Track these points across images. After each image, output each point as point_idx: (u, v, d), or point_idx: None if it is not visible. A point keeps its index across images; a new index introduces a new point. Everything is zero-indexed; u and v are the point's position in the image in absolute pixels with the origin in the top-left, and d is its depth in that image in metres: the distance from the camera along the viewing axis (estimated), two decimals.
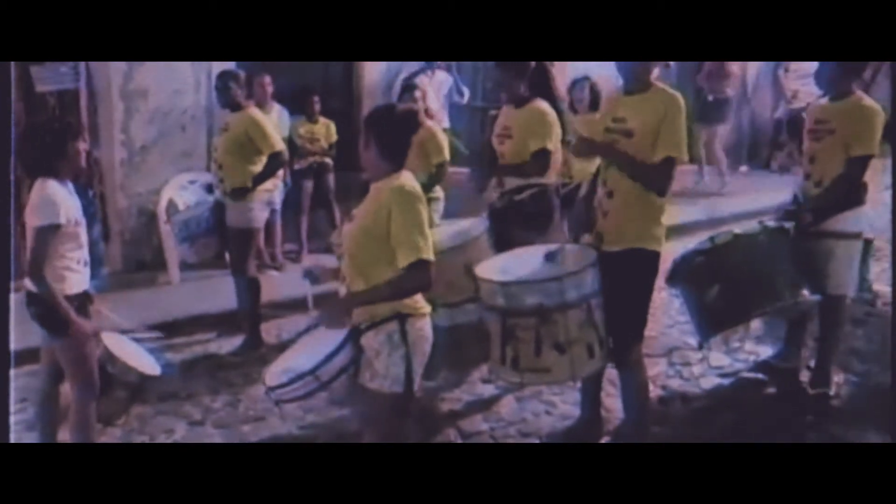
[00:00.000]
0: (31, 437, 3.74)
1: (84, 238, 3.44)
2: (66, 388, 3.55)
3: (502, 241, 3.94)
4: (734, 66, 9.27)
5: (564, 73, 6.40)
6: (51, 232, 3.24)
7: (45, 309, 3.31)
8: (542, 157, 4.15)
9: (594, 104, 5.51)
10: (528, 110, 4.18)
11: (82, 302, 3.46)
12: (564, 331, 3.08)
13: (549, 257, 3.33)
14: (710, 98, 9.07)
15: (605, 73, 5.00)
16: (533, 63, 4.22)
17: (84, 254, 3.43)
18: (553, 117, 4.21)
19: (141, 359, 3.71)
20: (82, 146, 3.41)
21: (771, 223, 3.83)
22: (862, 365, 4.59)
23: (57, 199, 3.26)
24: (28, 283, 3.34)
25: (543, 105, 4.20)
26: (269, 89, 6.54)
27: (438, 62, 7.60)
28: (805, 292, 3.66)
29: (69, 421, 3.55)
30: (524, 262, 3.36)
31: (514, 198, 4.22)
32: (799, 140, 4.37)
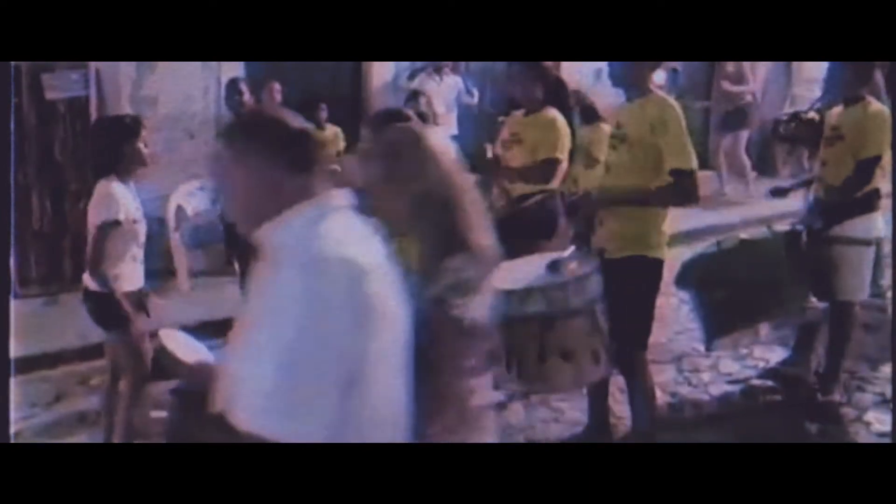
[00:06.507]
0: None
1: (142, 236, 3.55)
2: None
3: (508, 248, 3.88)
4: (748, 71, 9.10)
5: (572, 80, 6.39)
6: (111, 229, 3.36)
7: (101, 305, 3.43)
8: (550, 165, 4.11)
9: (586, 116, 5.40)
10: (539, 118, 4.11)
11: (139, 299, 3.56)
12: (569, 338, 3.07)
13: (553, 267, 3.29)
14: (730, 105, 8.95)
15: (601, 85, 4.99)
16: (551, 65, 4.18)
17: (141, 252, 3.55)
18: (565, 127, 4.16)
19: (197, 354, 3.77)
20: (141, 146, 3.50)
21: (781, 228, 3.83)
22: (872, 371, 4.55)
23: (117, 197, 3.38)
24: (87, 280, 3.45)
25: (555, 113, 4.13)
26: (278, 96, 6.55)
27: (446, 63, 7.60)
28: (813, 300, 3.65)
29: (118, 416, 3.64)
30: (528, 269, 3.34)
31: (520, 205, 4.19)
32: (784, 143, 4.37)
